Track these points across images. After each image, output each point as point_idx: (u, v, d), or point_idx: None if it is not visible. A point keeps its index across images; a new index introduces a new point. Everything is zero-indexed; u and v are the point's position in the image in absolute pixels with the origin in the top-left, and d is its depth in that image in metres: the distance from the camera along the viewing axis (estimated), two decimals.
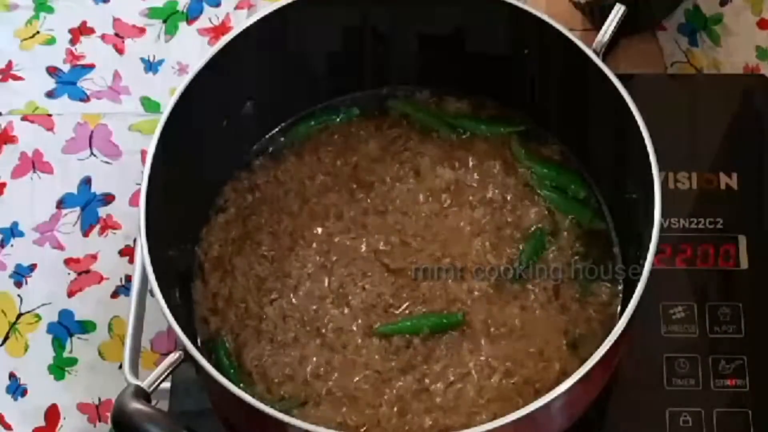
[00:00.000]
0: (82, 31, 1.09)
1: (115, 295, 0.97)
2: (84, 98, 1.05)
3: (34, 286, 0.98)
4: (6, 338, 0.96)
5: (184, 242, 0.89)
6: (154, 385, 0.76)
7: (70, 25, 1.09)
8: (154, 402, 0.76)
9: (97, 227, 1.00)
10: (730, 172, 0.95)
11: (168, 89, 1.04)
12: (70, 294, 0.97)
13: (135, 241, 0.97)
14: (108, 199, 1.01)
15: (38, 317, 0.96)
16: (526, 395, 0.82)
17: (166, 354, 0.87)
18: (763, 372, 0.87)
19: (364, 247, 0.89)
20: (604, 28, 0.88)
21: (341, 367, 0.85)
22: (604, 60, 0.85)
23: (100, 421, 0.93)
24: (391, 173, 0.93)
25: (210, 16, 1.09)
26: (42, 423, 0.93)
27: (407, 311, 0.87)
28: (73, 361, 0.95)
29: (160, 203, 0.82)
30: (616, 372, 0.84)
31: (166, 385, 0.84)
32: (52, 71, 1.07)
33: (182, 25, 1.09)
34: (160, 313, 0.77)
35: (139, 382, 0.76)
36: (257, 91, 0.92)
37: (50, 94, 1.06)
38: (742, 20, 1.05)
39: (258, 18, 0.88)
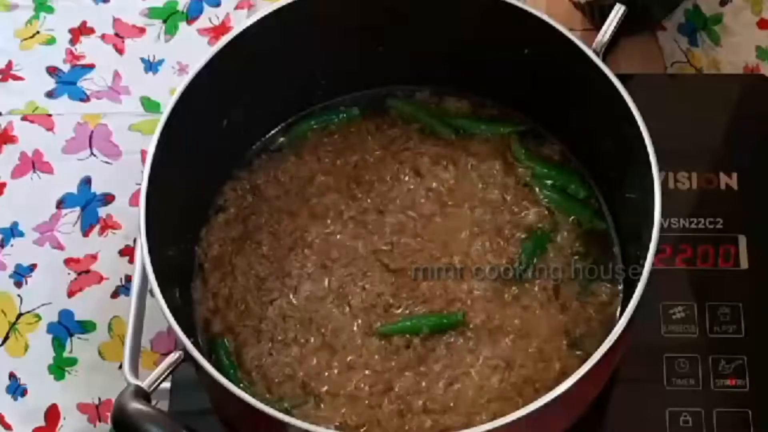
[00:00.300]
0: (82, 31, 1.09)
1: (115, 295, 0.97)
2: (84, 98, 1.05)
3: (34, 286, 0.98)
4: (6, 338, 0.96)
5: (184, 242, 0.89)
6: (154, 385, 0.76)
7: (70, 25, 1.09)
8: (154, 402, 0.76)
9: (97, 227, 1.00)
10: (730, 172, 0.95)
11: (168, 89, 1.04)
12: (70, 294, 0.97)
13: (135, 241, 0.97)
14: (108, 199, 1.01)
15: (38, 317, 0.96)
16: (526, 395, 0.82)
17: (166, 354, 0.87)
18: (763, 372, 0.87)
19: (364, 247, 0.89)
20: (604, 28, 0.88)
21: (341, 367, 0.85)
22: (604, 60, 0.85)
23: (100, 421, 0.93)
24: (391, 173, 0.93)
25: (210, 16, 1.09)
26: (42, 423, 0.93)
27: (407, 311, 0.87)
28: (73, 361, 0.95)
29: (160, 203, 0.82)
30: (616, 372, 0.84)
31: (166, 385, 0.84)
32: (52, 71, 1.07)
33: (182, 25, 1.09)
34: (160, 313, 0.77)
35: (139, 382, 0.76)
36: (257, 91, 0.92)
37: (50, 94, 1.06)
38: (742, 20, 1.05)
39: (258, 18, 0.88)
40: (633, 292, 0.76)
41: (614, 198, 0.89)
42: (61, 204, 1.01)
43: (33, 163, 1.02)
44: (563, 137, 0.93)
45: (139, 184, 0.81)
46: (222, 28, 1.08)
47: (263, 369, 0.85)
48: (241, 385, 0.84)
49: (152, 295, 0.79)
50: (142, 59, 1.07)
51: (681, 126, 0.96)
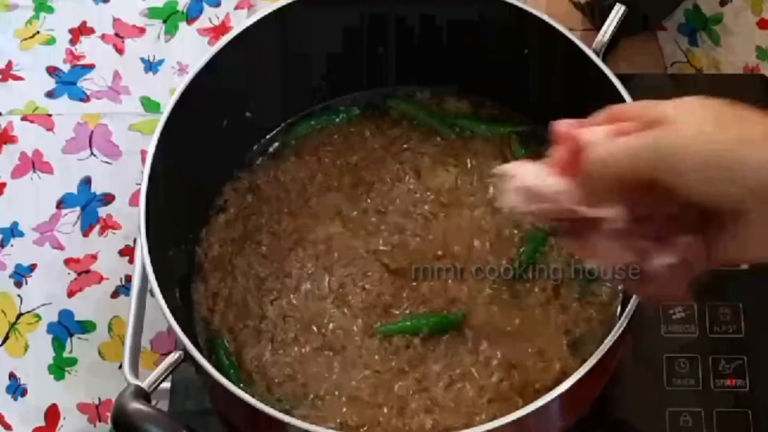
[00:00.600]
0: (82, 31, 1.09)
1: (115, 295, 0.97)
2: (84, 98, 1.05)
3: (34, 286, 0.98)
4: (6, 338, 0.96)
5: (184, 242, 0.89)
6: (154, 385, 0.76)
7: (70, 25, 1.09)
8: (154, 402, 0.76)
9: (97, 227, 1.00)
10: None
11: (168, 89, 1.04)
12: (70, 294, 0.97)
13: (135, 241, 0.97)
14: (108, 199, 1.01)
15: (38, 317, 0.96)
16: (526, 395, 0.82)
17: (166, 354, 0.87)
18: (763, 372, 0.87)
19: (364, 247, 0.89)
20: (604, 28, 0.88)
21: (341, 367, 0.85)
22: (604, 60, 0.85)
23: (100, 421, 0.93)
24: (391, 173, 0.93)
25: (210, 16, 1.09)
26: (42, 423, 0.93)
27: (407, 311, 0.87)
28: (73, 361, 0.95)
29: (160, 203, 0.82)
30: (616, 372, 0.84)
31: (166, 385, 0.84)
32: (52, 71, 1.07)
33: (182, 25, 1.09)
34: (160, 313, 0.77)
35: (139, 382, 0.76)
36: (257, 91, 0.92)
37: (50, 94, 1.06)
38: (742, 20, 1.05)
39: (258, 18, 0.88)
40: None
41: None
42: (61, 204, 1.01)
43: (33, 163, 1.02)
44: None
45: (139, 184, 0.81)
46: (222, 28, 1.08)
47: (263, 369, 0.85)
48: (241, 385, 0.84)
49: (152, 295, 0.79)
50: (142, 59, 1.07)
51: None
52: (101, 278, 0.98)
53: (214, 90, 0.87)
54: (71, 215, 1.00)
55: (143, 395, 0.75)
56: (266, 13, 0.88)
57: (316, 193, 0.92)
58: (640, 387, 0.87)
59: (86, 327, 0.96)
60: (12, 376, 0.95)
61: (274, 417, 0.73)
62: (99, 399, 0.93)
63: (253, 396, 0.76)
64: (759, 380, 0.87)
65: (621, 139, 0.62)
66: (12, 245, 0.99)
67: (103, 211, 1.00)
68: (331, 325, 0.86)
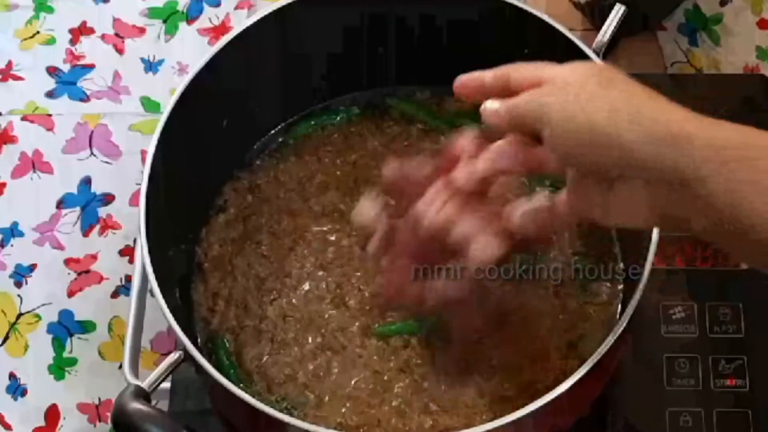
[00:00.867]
0: (82, 31, 1.09)
1: (115, 295, 0.97)
2: (84, 98, 1.05)
3: (34, 286, 0.98)
4: (6, 338, 0.96)
5: (184, 242, 0.89)
6: (154, 385, 0.76)
7: (70, 25, 1.09)
8: (154, 402, 0.76)
9: (97, 227, 1.00)
10: None
11: (168, 89, 1.04)
12: (70, 294, 0.97)
13: (135, 241, 0.97)
14: (108, 199, 1.01)
15: (38, 317, 0.96)
16: (527, 396, 0.82)
17: (166, 354, 0.87)
18: (763, 372, 0.87)
19: None
20: (604, 28, 0.88)
21: (341, 368, 0.85)
22: (604, 60, 0.85)
23: (100, 421, 0.93)
24: None
25: (210, 16, 1.09)
26: (42, 423, 0.93)
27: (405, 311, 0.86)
28: (73, 361, 0.95)
29: (160, 203, 0.82)
30: (616, 372, 0.84)
31: (166, 385, 0.84)
32: (52, 71, 1.07)
33: (182, 25, 1.09)
34: (160, 313, 0.77)
35: (139, 382, 0.76)
36: (257, 91, 0.92)
37: (50, 94, 1.06)
38: (742, 20, 1.05)
39: (258, 18, 0.88)
40: (633, 292, 0.76)
41: None
42: (61, 204, 1.01)
43: (33, 163, 1.02)
44: None
45: (139, 184, 0.81)
46: (222, 28, 1.08)
47: (263, 369, 0.85)
48: (241, 385, 0.83)
49: (152, 295, 0.79)
50: (142, 59, 1.07)
51: None
52: (101, 278, 0.98)
53: (214, 90, 0.87)
54: (71, 215, 1.00)
55: (143, 395, 0.75)
56: (266, 13, 0.88)
57: (316, 193, 0.92)
58: (640, 387, 0.87)
59: (86, 327, 0.96)
60: (12, 376, 0.95)
61: (274, 417, 0.73)
62: (99, 399, 0.94)
63: (253, 396, 0.76)
64: (759, 380, 0.87)
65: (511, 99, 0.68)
66: (12, 245, 0.99)
67: (103, 211, 1.00)
68: (330, 326, 0.86)
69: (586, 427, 0.83)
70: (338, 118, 0.96)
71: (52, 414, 0.93)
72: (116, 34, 1.08)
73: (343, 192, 0.92)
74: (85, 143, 1.03)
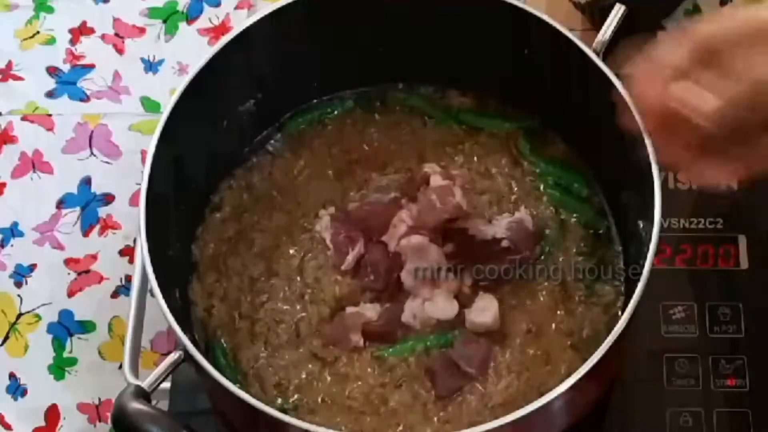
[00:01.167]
0: (82, 31, 1.09)
1: (115, 295, 0.97)
2: (84, 98, 1.05)
3: (34, 286, 0.98)
4: (6, 338, 0.96)
5: (184, 242, 0.89)
6: (154, 385, 0.76)
7: (70, 25, 1.09)
8: (154, 402, 0.76)
9: (97, 227, 1.00)
10: None
11: (168, 89, 1.04)
12: (70, 294, 0.97)
13: (135, 241, 0.97)
14: (108, 199, 1.01)
15: (38, 317, 0.96)
16: (531, 400, 0.80)
17: (166, 354, 0.87)
18: (763, 372, 0.87)
19: None
20: (604, 28, 0.88)
21: (334, 375, 0.84)
22: (604, 60, 0.85)
23: (100, 421, 0.93)
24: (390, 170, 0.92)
25: (210, 16, 1.09)
26: (42, 423, 0.93)
27: None
28: (73, 361, 0.95)
29: (160, 203, 0.82)
30: (616, 372, 0.83)
31: (166, 385, 0.84)
32: (52, 71, 1.07)
33: (182, 25, 1.09)
34: (160, 313, 0.77)
35: (139, 382, 0.76)
36: (257, 91, 0.92)
37: (50, 94, 1.06)
38: None
39: (258, 18, 0.88)
40: (633, 292, 0.76)
41: (615, 197, 0.89)
42: (61, 204, 1.01)
43: (33, 163, 1.02)
44: (565, 136, 0.92)
45: (139, 184, 0.81)
46: (222, 28, 1.08)
47: (259, 371, 0.84)
48: (238, 385, 0.83)
49: (152, 295, 0.79)
50: (142, 59, 1.07)
51: None
52: (101, 278, 0.98)
53: (213, 90, 0.87)
54: (71, 215, 1.00)
55: (143, 395, 0.75)
56: (266, 13, 0.88)
57: (311, 189, 0.91)
58: (640, 387, 0.87)
59: (86, 327, 0.96)
60: (12, 376, 0.95)
61: (274, 417, 0.73)
62: (99, 399, 0.93)
63: (253, 396, 0.76)
64: (759, 380, 0.87)
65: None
66: (12, 245, 0.99)
67: (103, 211, 1.00)
68: (324, 330, 0.85)
69: (587, 427, 0.83)
70: (335, 111, 0.95)
71: (52, 414, 0.93)
72: (116, 34, 1.08)
73: (339, 186, 0.91)
74: (85, 143, 1.03)
